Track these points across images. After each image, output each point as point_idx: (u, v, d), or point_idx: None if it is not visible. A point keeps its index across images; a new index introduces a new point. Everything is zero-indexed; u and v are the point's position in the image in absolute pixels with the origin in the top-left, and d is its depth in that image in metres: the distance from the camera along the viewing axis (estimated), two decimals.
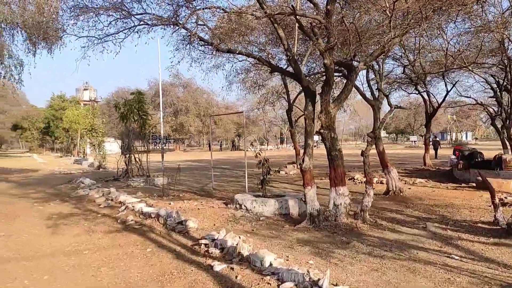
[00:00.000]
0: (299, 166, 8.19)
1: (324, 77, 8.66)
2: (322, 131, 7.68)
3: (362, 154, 8.08)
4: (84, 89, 67.62)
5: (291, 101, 18.94)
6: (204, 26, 9.18)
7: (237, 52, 8.71)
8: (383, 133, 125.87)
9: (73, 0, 9.26)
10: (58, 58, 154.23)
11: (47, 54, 14.54)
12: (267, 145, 66.37)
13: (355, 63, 7.41)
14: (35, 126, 55.45)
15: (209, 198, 11.35)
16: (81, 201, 11.78)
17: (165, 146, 66.28)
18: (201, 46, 9.92)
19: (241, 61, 15.03)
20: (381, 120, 10.27)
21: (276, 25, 7.42)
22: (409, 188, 12.41)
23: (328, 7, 6.68)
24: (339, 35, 7.96)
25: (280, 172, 18.31)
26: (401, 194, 11.17)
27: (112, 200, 11.11)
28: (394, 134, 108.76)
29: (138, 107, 15.63)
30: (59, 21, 10.76)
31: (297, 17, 6.79)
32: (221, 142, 76.94)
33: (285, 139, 70.37)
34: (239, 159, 34.85)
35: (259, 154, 9.22)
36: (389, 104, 12.09)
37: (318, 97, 8.22)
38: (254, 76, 18.57)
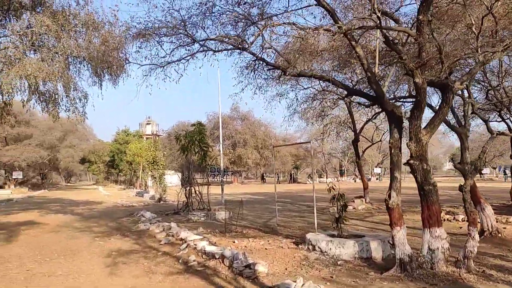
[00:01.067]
0: (384, 202, 7.08)
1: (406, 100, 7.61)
2: (412, 161, 6.56)
3: (460, 189, 6.82)
4: (147, 124, 70.34)
5: (358, 131, 17.79)
6: (270, 50, 8.53)
7: (309, 75, 7.93)
8: (449, 165, 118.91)
9: (136, 27, 9.01)
10: (122, 93, 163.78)
11: (112, 86, 14.72)
12: (326, 178, 64.43)
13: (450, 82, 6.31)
14: (101, 160, 57.90)
15: (275, 236, 10.40)
16: (141, 236, 11.29)
17: (220, 178, 66.62)
18: (268, 70, 9.29)
19: (305, 88, 14.33)
20: (482, 150, 8.87)
21: (353, 42, 6.57)
22: (504, 228, 10.71)
23: (420, 17, 5.74)
24: (430, 51, 6.95)
25: (348, 207, 16.97)
26: (499, 235, 9.58)
27: (172, 236, 10.49)
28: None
29: (199, 139, 15.24)
30: (122, 51, 10.64)
31: (383, 30, 5.90)
32: (278, 175, 76.01)
33: (345, 171, 68.11)
34: (300, 192, 33.65)
35: (333, 188, 8.19)
36: (490, 130, 10.62)
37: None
38: (318, 104, 17.73)
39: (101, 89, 14.22)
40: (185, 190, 17.42)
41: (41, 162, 46.62)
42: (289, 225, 12.59)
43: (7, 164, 42.81)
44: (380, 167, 64.73)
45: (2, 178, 47.16)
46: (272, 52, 8.78)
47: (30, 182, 53.70)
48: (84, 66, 13.84)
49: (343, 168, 69.70)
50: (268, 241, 9.41)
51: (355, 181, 58.34)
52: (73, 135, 49.64)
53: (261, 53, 8.36)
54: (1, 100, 14.15)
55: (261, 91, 11.16)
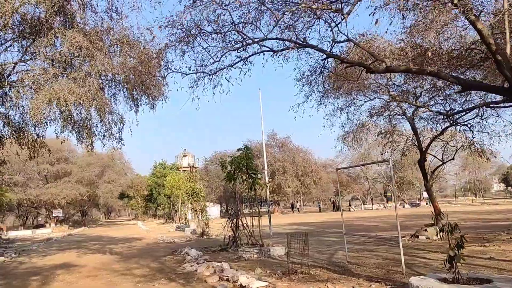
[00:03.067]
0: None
1: None
2: None
3: None
4: (183, 156, 69.77)
5: (424, 149, 15.65)
6: (343, 44, 6.86)
7: (403, 70, 6.18)
8: (498, 186, 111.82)
9: (175, 33, 7.59)
10: (160, 126, 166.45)
11: (150, 109, 13.48)
12: (372, 204, 61.14)
13: None
14: (140, 194, 57.21)
15: (353, 278, 8.42)
16: (189, 280, 9.56)
17: (261, 209, 64.51)
18: (345, 67, 7.59)
19: (372, 99, 12.52)
20: None
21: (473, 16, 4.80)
22: None
23: None
24: None
25: (419, 237, 14.68)
26: None
27: (227, 280, 8.71)
28: None
29: (247, 165, 13.61)
30: (162, 64, 9.27)
31: None
32: (319, 203, 73.10)
33: (392, 197, 64.30)
34: (349, 221, 31.24)
35: (442, 216, 6.22)
36: None
37: None
38: (383, 119, 15.88)
39: (137, 114, 13.00)
40: (232, 223, 15.71)
41: (80, 199, 46.27)
42: (361, 262, 10.54)
43: (48, 203, 42.59)
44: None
45: (43, 217, 47.04)
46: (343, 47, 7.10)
47: (70, 220, 53.54)
48: (119, 89, 12.70)
49: (387, 193, 66.06)
50: (353, 286, 7.47)
51: (403, 207, 54.84)
52: (111, 170, 49.26)
53: (330, 48, 6.70)
54: (33, 132, 13.11)
55: (323, 104, 9.53)
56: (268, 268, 10.27)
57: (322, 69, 7.42)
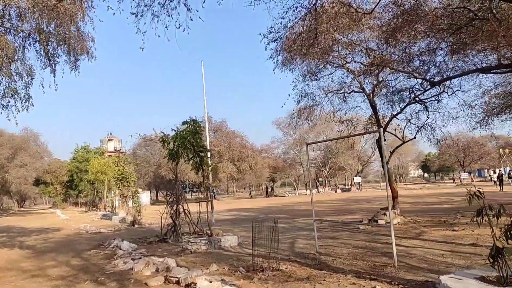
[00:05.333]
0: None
1: None
2: None
3: None
4: (108, 140, 65.07)
5: (384, 126, 14.56)
6: None
7: None
8: (415, 173, 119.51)
9: None
10: (81, 111, 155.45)
11: (71, 70, 10.83)
12: (306, 189, 61.29)
13: None
14: (58, 180, 52.12)
15: (336, 273, 6.81)
16: (123, 283, 7.34)
17: (192, 195, 62.08)
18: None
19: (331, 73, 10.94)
20: None
21: None
22: None
23: None
24: None
25: (379, 221, 13.60)
26: None
27: (178, 283, 6.68)
28: (433, 174, 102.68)
29: (194, 141, 11.49)
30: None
31: None
32: (250, 189, 72.32)
33: (325, 182, 65.13)
34: (288, 206, 30.26)
35: (478, 195, 4.71)
36: None
37: None
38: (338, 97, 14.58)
39: (54, 74, 10.29)
40: (171, 210, 13.56)
41: None
42: (333, 252, 9.01)
43: None
44: (360, 176, 62.39)
45: None
46: None
47: None
48: (29, 43, 9.91)
49: (320, 179, 66.86)
50: (346, 286, 5.83)
51: (335, 192, 55.56)
52: (24, 153, 43.91)
53: None
54: None
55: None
56: (224, 263, 8.37)
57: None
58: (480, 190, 4.78)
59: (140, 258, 9.41)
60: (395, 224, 13.19)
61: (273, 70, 13.59)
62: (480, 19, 8.50)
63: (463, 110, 15.98)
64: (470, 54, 11.14)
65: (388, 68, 11.76)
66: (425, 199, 27.50)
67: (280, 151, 64.52)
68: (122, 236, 14.61)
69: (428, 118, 15.32)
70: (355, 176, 61.71)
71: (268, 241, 7.95)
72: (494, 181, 38.28)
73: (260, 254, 8.01)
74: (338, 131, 16.33)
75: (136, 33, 6.18)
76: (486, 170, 72.02)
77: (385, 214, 13.89)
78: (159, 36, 6.31)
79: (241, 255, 9.32)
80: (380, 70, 12.85)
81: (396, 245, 9.17)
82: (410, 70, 11.91)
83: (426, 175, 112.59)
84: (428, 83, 11.66)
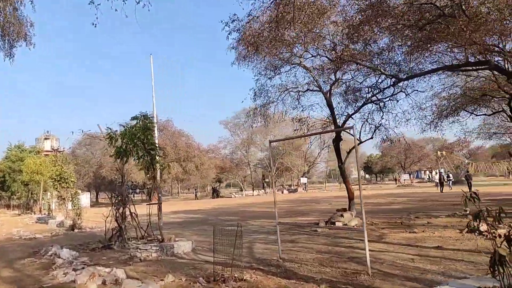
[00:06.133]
0: None
1: None
2: None
3: None
4: (45, 139, 61.03)
5: (341, 125, 14.34)
6: None
7: None
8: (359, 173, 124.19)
9: None
10: (19, 100, 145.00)
11: (5, 57, 9.58)
12: (253, 190, 60.96)
13: None
14: None
15: (307, 282, 6.29)
16: None
17: (135, 196, 59.71)
18: None
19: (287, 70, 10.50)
20: None
21: None
22: None
23: None
24: None
25: (336, 223, 13.34)
26: None
27: None
28: (374, 175, 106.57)
29: (145, 138, 10.54)
30: None
31: None
32: (196, 190, 70.86)
33: (270, 183, 64.90)
34: (236, 208, 29.66)
35: (474, 197, 4.33)
36: None
37: None
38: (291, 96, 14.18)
39: None
40: (117, 213, 12.48)
41: None
42: (297, 258, 8.48)
43: None
44: (306, 177, 63.08)
45: None
46: None
47: None
48: None
49: (266, 180, 66.86)
50: None
51: (282, 193, 55.71)
52: None
53: None
54: None
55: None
56: (180, 272, 7.57)
57: None
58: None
59: (83, 268, 8.38)
60: (353, 226, 12.99)
61: (232, 64, 13.04)
62: (447, 16, 8.44)
63: (415, 112, 16.25)
64: (437, 52, 11.21)
65: (354, 63, 11.54)
66: (372, 200, 28.04)
67: (228, 151, 63.91)
68: (60, 242, 13.25)
69: (382, 118, 15.38)
70: (302, 176, 62.39)
71: (226, 247, 7.30)
72: (436, 183, 40.14)
73: (219, 261, 7.31)
74: (295, 130, 16.00)
75: (89, 4, 5.28)
76: (423, 172, 75.82)
77: (342, 215, 13.71)
78: (116, 10, 5.43)
79: (197, 263, 8.56)
80: (339, 67, 12.62)
81: (362, 249, 8.88)
82: (375, 66, 11.76)
83: (367, 176, 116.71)
84: (394, 79, 11.57)
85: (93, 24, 6.51)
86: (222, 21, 10.84)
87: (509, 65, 10.95)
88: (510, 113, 16.63)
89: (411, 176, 72.38)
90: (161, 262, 8.95)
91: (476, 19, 7.75)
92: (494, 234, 4.15)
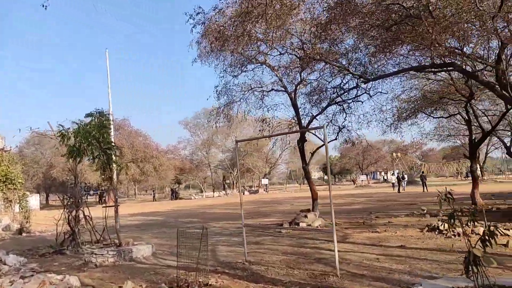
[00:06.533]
0: None
1: None
2: None
3: None
4: None
5: (306, 126, 14.22)
6: None
7: None
8: (318, 174, 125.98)
9: None
10: None
11: None
12: (213, 192, 60.13)
13: None
14: None
15: (275, 286, 6.01)
16: None
17: (89, 198, 57.29)
18: None
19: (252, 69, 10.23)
20: None
21: None
22: None
23: None
24: None
25: (300, 224, 13.20)
26: None
27: None
28: (333, 176, 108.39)
29: (100, 136, 9.89)
30: None
31: None
32: (154, 191, 69.13)
33: (234, 184, 64.37)
34: (197, 209, 29.06)
35: (449, 197, 4.18)
36: None
37: None
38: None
39: None
40: (70, 215, 11.74)
41: None
42: (263, 260, 8.19)
43: None
44: (267, 178, 63.08)
45: None
46: None
47: None
48: None
49: (227, 181, 66.30)
50: None
51: (243, 194, 55.37)
52: None
53: None
54: None
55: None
56: (140, 278, 7.09)
57: None
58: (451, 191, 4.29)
59: (32, 275, 7.68)
60: (317, 227, 12.89)
61: (192, 61, 12.59)
62: (413, 17, 8.49)
63: (376, 114, 16.45)
64: (400, 54, 11.33)
65: (323, 61, 11.42)
66: (333, 200, 28.24)
67: (187, 152, 62.75)
68: (6, 247, 12.28)
69: (345, 120, 15.42)
70: (263, 178, 62.37)
71: (189, 250, 6.93)
72: (393, 183, 41.30)
73: (183, 265, 6.89)
74: (260, 130, 15.77)
75: None
76: (379, 173, 78.03)
77: (305, 216, 13.59)
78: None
79: (158, 268, 8.09)
80: (307, 65, 12.50)
81: (327, 249, 8.75)
82: (343, 65, 11.71)
83: (326, 177, 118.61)
84: (361, 80, 11.56)
85: (43, 5, 5.96)
86: (186, 13, 10.47)
87: (468, 67, 11.29)
88: (465, 116, 17.19)
89: (368, 177, 74.23)
90: (119, 268, 8.39)
91: (441, 21, 7.83)
92: (468, 234, 4.04)
